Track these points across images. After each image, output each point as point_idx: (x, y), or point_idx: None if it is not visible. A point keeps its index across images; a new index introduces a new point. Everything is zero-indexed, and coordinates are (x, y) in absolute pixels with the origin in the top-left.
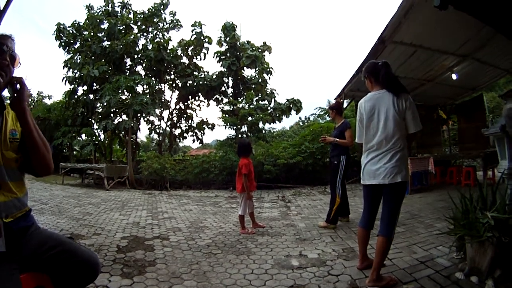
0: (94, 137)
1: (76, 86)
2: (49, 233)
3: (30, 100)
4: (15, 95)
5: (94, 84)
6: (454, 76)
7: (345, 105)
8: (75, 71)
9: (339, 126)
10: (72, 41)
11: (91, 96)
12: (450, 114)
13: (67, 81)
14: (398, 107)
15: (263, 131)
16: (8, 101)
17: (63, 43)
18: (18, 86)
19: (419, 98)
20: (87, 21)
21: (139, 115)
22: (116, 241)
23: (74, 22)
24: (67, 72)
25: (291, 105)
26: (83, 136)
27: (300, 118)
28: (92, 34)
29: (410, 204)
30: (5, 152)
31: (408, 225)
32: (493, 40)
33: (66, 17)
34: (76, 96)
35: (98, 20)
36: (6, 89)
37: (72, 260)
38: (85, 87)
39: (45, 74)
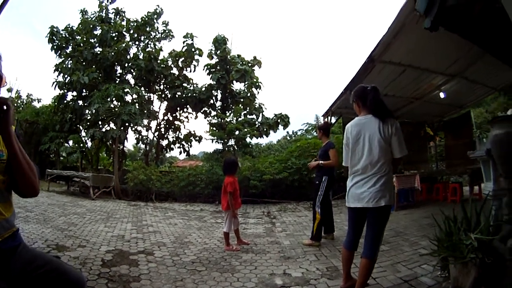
0: (82, 144)
1: (65, 91)
2: (37, 252)
3: (20, 102)
4: (1, 116)
5: (84, 91)
6: (442, 95)
7: (333, 120)
8: (66, 76)
9: (324, 146)
10: (64, 45)
11: (80, 102)
12: (438, 131)
13: (57, 86)
14: (384, 132)
15: (250, 146)
16: None
17: (55, 47)
18: (4, 107)
19: (407, 116)
20: (81, 25)
21: (127, 124)
22: (101, 254)
23: (68, 26)
24: (57, 76)
25: (279, 120)
26: (71, 142)
27: (287, 132)
28: (84, 39)
29: (396, 221)
30: None
31: (392, 243)
32: (481, 59)
33: (62, 19)
34: (65, 102)
35: (91, 26)
36: None
37: (59, 279)
38: (74, 93)
39: (36, 76)
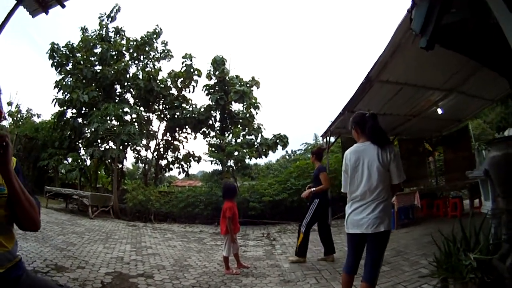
0: (81, 162)
1: (65, 108)
2: (40, 279)
3: (19, 116)
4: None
5: (83, 108)
6: (439, 111)
7: (332, 140)
8: (66, 93)
9: (316, 169)
10: (64, 62)
11: (80, 120)
12: (436, 146)
13: (57, 103)
14: (383, 159)
15: (249, 168)
16: None
17: (55, 63)
18: (3, 143)
19: (406, 133)
20: (81, 43)
21: (126, 143)
22: (100, 276)
23: (68, 43)
24: (57, 93)
25: (278, 141)
26: (69, 159)
27: (286, 151)
28: (84, 57)
29: (396, 240)
30: None
31: (393, 263)
32: (477, 72)
33: (62, 34)
34: (64, 119)
35: (91, 44)
36: None
37: None
38: (74, 110)
39: (35, 89)
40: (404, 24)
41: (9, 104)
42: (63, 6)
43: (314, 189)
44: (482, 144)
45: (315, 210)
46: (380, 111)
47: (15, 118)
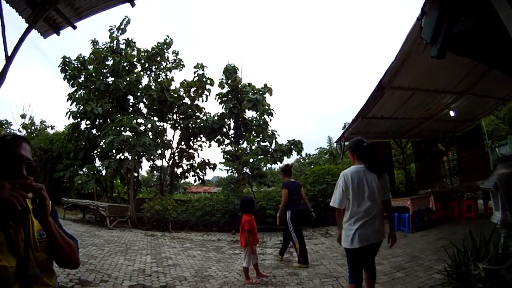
0: (96, 172)
1: (79, 120)
2: None
3: (33, 129)
4: (36, 207)
5: (97, 120)
6: (452, 113)
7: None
8: (79, 105)
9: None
10: (76, 75)
11: (94, 131)
12: (450, 146)
13: (71, 116)
14: (381, 180)
15: (265, 177)
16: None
17: (68, 76)
18: (37, 200)
19: (419, 135)
20: (92, 55)
21: (142, 154)
22: None
23: (79, 56)
24: (71, 105)
25: (292, 146)
26: (85, 170)
27: (301, 155)
28: (96, 69)
29: (412, 244)
30: (37, 254)
31: (407, 269)
32: (488, 74)
33: (73, 47)
34: (79, 130)
35: (102, 56)
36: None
37: None
38: (88, 122)
39: (48, 102)
40: (414, 31)
41: (23, 116)
42: (74, 28)
43: (278, 213)
44: (496, 142)
45: (292, 220)
46: (393, 115)
47: (29, 130)
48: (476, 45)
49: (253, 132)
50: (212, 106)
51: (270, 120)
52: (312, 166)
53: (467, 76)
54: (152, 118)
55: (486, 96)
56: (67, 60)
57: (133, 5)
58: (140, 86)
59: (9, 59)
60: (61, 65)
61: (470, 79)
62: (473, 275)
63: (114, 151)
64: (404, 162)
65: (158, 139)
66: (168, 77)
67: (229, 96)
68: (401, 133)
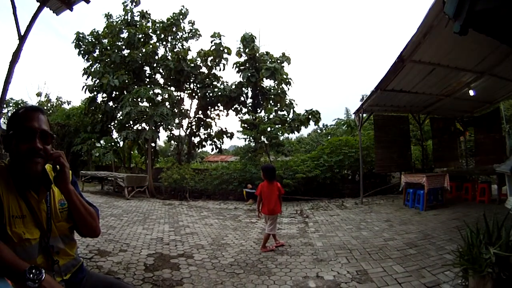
0: (114, 144)
1: (95, 94)
2: (100, 276)
3: (49, 106)
4: (57, 174)
5: (114, 92)
6: (471, 92)
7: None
8: (95, 79)
9: None
10: (91, 49)
11: (111, 103)
12: (467, 126)
13: (87, 90)
14: None
15: (283, 146)
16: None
17: (82, 52)
18: (58, 167)
19: (437, 112)
20: (106, 29)
21: (159, 124)
22: (142, 258)
23: (93, 30)
24: (86, 79)
25: (310, 116)
26: (102, 141)
27: (318, 125)
28: (111, 42)
29: (425, 222)
30: (58, 224)
31: (420, 246)
32: (510, 56)
33: (85, 23)
34: (95, 103)
35: (117, 29)
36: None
37: None
38: (104, 95)
39: (63, 79)
40: (437, 5)
41: (38, 95)
42: (87, 2)
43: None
44: None
45: None
46: (413, 89)
47: (45, 108)
48: (501, 25)
49: (271, 101)
50: (229, 75)
51: (288, 89)
52: (329, 137)
53: (489, 56)
54: (169, 88)
55: (506, 79)
56: (81, 35)
57: None
58: (157, 57)
59: (22, 39)
60: (75, 41)
61: (492, 59)
62: (483, 259)
63: (131, 122)
64: (421, 138)
65: (175, 109)
66: (184, 47)
67: (247, 65)
68: (420, 108)
